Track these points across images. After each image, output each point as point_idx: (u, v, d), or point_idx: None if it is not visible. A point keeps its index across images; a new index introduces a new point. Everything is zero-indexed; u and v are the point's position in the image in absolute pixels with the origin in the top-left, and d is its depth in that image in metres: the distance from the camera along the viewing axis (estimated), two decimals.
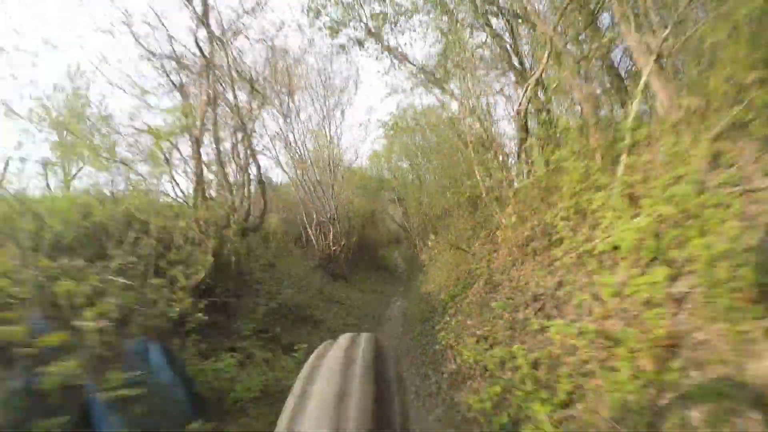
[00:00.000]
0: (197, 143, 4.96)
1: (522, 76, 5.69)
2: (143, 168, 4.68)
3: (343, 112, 12.81)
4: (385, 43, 7.13)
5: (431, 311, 5.53)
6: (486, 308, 3.93)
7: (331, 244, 9.61)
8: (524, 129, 4.79)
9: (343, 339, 0.61)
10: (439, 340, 4.26)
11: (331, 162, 10.81)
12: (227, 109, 5.79)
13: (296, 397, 0.52)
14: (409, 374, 4.06)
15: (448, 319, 4.58)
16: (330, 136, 11.60)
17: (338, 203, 10.51)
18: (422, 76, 7.24)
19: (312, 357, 0.59)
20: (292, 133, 9.91)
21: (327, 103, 11.02)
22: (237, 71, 6.15)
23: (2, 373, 1.74)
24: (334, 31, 7.11)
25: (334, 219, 9.93)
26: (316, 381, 0.53)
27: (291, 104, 9.70)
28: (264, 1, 6.39)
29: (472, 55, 5.38)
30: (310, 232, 9.68)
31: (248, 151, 5.91)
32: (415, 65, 7.22)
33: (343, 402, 0.48)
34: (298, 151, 9.95)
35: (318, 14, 7.19)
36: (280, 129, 9.87)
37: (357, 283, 9.49)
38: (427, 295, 6.40)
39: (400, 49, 7.25)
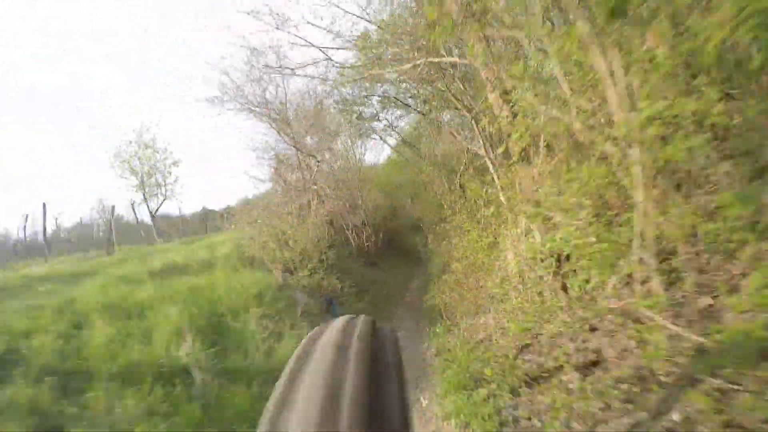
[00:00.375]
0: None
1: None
2: None
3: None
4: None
5: (431, 280, 9.23)
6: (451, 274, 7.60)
7: (364, 241, 13.39)
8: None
9: (339, 322, 0.57)
10: (430, 289, 8.03)
11: (358, 178, 14.48)
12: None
13: (284, 385, 0.48)
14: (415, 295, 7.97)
15: (437, 282, 8.29)
16: (357, 156, 15.35)
17: (366, 209, 14.20)
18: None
19: (304, 341, 0.55)
20: (333, 164, 13.77)
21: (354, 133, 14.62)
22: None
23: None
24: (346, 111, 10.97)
25: (365, 224, 13.68)
26: (307, 367, 0.49)
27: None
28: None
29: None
30: (348, 234, 13.43)
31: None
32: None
33: (336, 391, 0.43)
34: (334, 175, 13.66)
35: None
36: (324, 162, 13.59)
37: (387, 267, 13.18)
38: (431, 273, 10.07)
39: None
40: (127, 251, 12.41)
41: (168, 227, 20.19)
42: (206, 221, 22.70)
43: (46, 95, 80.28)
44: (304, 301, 6.95)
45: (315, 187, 11.01)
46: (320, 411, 0.42)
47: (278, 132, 12.12)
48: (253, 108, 11.67)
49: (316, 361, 0.49)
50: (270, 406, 0.46)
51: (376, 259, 13.35)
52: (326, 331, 0.56)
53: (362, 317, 0.60)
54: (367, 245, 13.44)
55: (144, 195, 18.79)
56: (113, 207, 17.15)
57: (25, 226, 16.49)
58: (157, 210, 19.59)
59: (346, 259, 11.20)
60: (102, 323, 4.88)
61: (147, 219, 19.64)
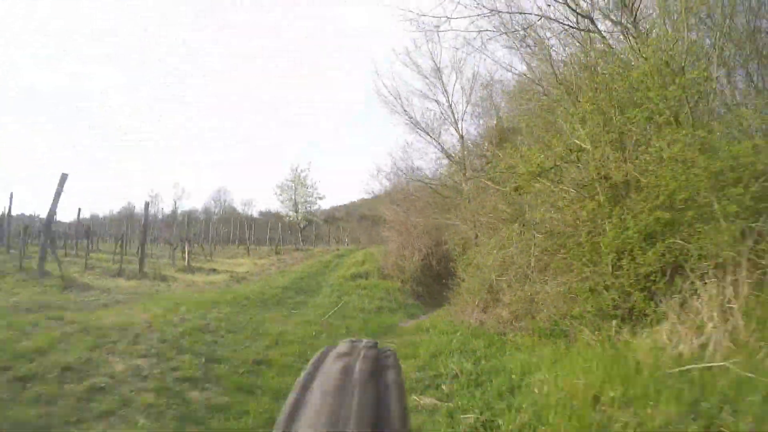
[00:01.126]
0: None
1: None
2: None
3: None
4: None
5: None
6: None
7: (435, 264, 22.20)
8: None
9: (342, 346, 0.60)
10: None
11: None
12: None
13: (290, 407, 0.50)
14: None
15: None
16: None
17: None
18: None
19: (309, 365, 0.58)
20: None
21: None
22: None
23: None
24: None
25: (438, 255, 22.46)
26: (312, 391, 0.52)
27: None
28: None
29: None
30: (430, 259, 22.23)
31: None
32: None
33: (340, 412, 0.46)
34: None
35: None
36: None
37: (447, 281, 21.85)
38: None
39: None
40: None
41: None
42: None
43: (46, 95, 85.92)
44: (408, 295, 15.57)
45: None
46: (328, 419, 0.46)
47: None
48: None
49: (319, 387, 0.52)
50: (281, 418, 0.49)
51: (442, 277, 21.96)
52: (329, 356, 0.58)
53: (365, 341, 0.62)
54: (438, 268, 22.13)
55: (297, 214, 29.31)
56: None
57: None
58: (305, 226, 30.17)
59: (426, 276, 19.94)
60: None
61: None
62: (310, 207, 29.68)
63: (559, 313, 5.73)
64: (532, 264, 6.79)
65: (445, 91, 17.41)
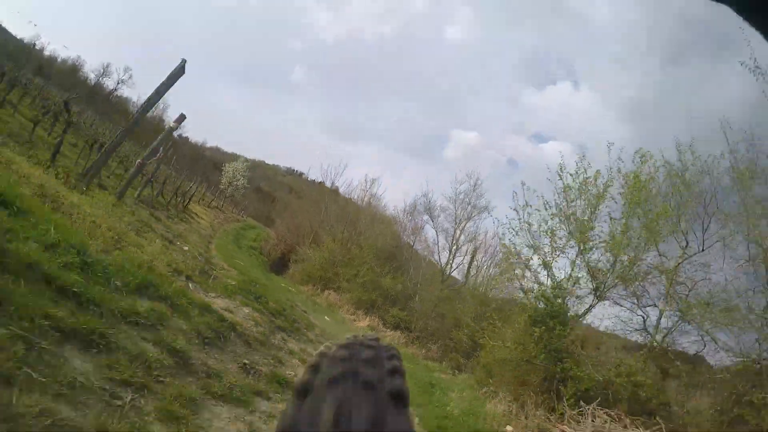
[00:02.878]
0: None
1: None
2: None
3: None
4: None
5: None
6: None
7: None
8: None
9: (342, 349, 0.56)
10: None
11: None
12: None
13: (289, 416, 0.47)
14: None
15: None
16: None
17: None
18: None
19: (306, 369, 0.53)
20: None
21: None
22: None
23: None
24: None
25: None
26: (311, 396, 0.48)
27: None
28: None
29: None
30: None
31: None
32: None
33: (339, 420, 0.44)
34: None
35: None
36: None
37: None
38: None
39: None
40: None
41: None
42: None
43: None
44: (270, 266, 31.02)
45: None
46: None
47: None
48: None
49: (318, 393, 0.48)
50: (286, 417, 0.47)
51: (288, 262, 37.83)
52: (328, 357, 0.54)
53: (368, 339, 0.58)
54: (287, 257, 38.01)
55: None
56: None
57: None
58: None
59: (282, 259, 35.50)
60: None
61: None
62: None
63: None
64: None
65: None
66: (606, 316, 10.60)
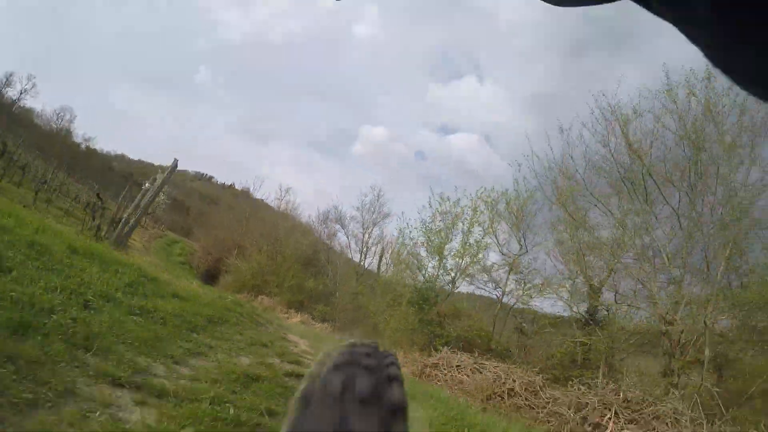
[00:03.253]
0: None
1: None
2: None
3: None
4: None
5: None
6: None
7: None
8: None
9: (341, 355, 0.54)
10: None
11: None
12: None
13: (300, 402, 0.48)
14: None
15: None
16: None
17: None
18: None
19: (307, 378, 0.53)
20: None
21: None
22: None
23: None
24: None
25: None
26: (309, 414, 0.47)
27: None
28: None
29: None
30: None
31: None
32: None
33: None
34: None
35: None
36: None
37: None
38: None
39: None
40: None
41: None
42: None
43: None
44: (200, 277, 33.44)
45: None
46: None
47: None
48: None
49: (315, 409, 0.47)
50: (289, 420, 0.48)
51: (219, 273, 40.08)
52: (330, 361, 0.53)
53: (365, 346, 0.57)
54: (215, 268, 40.29)
55: None
56: None
57: None
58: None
59: (212, 270, 37.82)
60: None
61: None
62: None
63: None
64: None
65: None
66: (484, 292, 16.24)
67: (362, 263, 29.22)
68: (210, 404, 2.93)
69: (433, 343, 13.54)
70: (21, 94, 49.72)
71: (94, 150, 62.16)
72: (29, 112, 51.34)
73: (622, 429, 6.18)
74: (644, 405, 6.51)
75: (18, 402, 2.10)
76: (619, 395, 6.84)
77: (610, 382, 8.43)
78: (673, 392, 7.44)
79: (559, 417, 7.06)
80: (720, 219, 9.57)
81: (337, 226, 30.72)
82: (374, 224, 29.33)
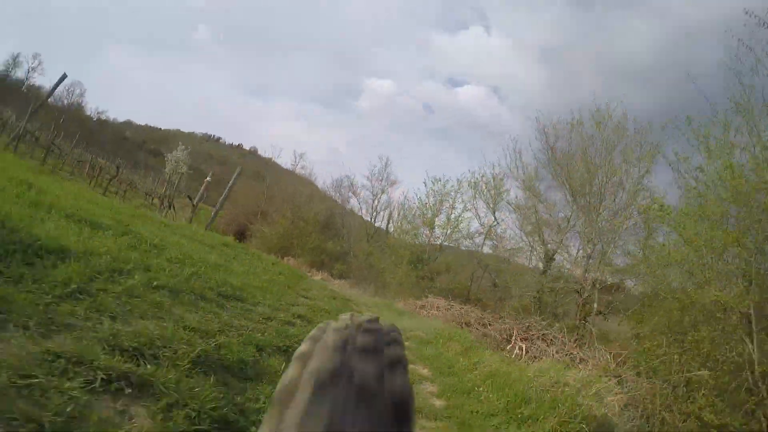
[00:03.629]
0: None
1: None
2: None
3: None
4: None
5: None
6: None
7: None
8: None
9: (340, 321, 0.48)
10: None
11: None
12: None
13: (284, 390, 0.40)
14: None
15: None
16: None
17: None
18: None
19: (307, 340, 0.46)
20: None
21: None
22: None
23: None
24: None
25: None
26: (308, 369, 0.41)
27: None
28: None
29: None
30: None
31: None
32: None
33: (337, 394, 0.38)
34: None
35: None
36: None
37: None
38: None
39: None
40: None
41: None
42: None
43: None
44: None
45: None
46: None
47: None
48: None
49: (301, 400, 0.38)
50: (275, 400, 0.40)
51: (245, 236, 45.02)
52: (330, 326, 0.46)
53: (365, 323, 0.48)
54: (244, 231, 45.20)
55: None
56: None
57: None
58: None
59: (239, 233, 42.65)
60: None
61: None
62: None
63: None
64: None
65: None
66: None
67: (373, 224, 33.56)
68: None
69: (425, 292, 18.18)
70: (28, 73, 52.38)
71: (106, 121, 65.58)
72: (38, 89, 52.73)
73: (517, 342, 10.52)
74: (536, 331, 10.90)
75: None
76: (523, 325, 11.24)
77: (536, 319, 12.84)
78: (556, 324, 11.70)
79: (491, 336, 11.54)
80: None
81: (350, 194, 34.86)
82: (383, 191, 33.40)
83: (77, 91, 59.74)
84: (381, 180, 33.27)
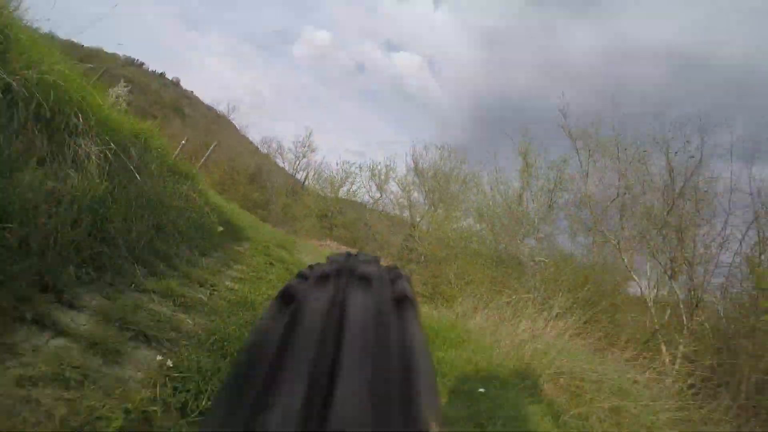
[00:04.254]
0: None
1: None
2: None
3: None
4: None
5: None
6: None
7: None
8: None
9: (329, 263, 0.43)
10: None
11: None
12: None
13: (265, 321, 0.36)
14: None
15: None
16: None
17: None
18: None
19: (294, 276, 0.41)
20: None
21: None
22: None
23: None
24: None
25: None
26: (295, 301, 0.37)
27: None
28: None
29: None
30: None
31: None
32: None
33: (331, 311, 0.34)
34: None
35: None
36: None
37: None
38: None
39: None
40: None
41: None
42: None
43: None
44: None
45: None
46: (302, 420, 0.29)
47: None
48: None
49: (295, 345, 0.33)
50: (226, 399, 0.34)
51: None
52: (313, 273, 0.41)
53: (362, 261, 0.43)
54: None
55: None
56: None
57: None
58: None
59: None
60: None
61: None
62: None
63: None
64: None
65: None
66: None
67: (294, 179, 40.78)
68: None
69: (325, 237, 26.43)
70: None
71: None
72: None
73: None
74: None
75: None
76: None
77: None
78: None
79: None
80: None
81: (277, 155, 41.59)
82: (304, 156, 40.43)
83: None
84: (304, 147, 40.36)
